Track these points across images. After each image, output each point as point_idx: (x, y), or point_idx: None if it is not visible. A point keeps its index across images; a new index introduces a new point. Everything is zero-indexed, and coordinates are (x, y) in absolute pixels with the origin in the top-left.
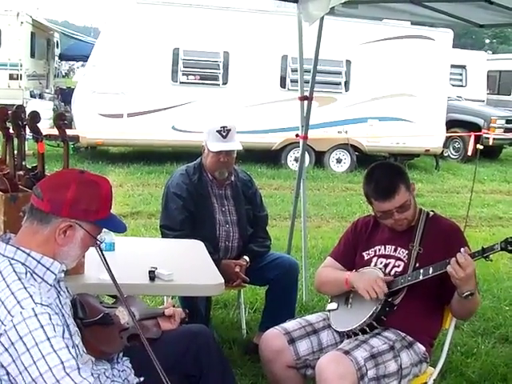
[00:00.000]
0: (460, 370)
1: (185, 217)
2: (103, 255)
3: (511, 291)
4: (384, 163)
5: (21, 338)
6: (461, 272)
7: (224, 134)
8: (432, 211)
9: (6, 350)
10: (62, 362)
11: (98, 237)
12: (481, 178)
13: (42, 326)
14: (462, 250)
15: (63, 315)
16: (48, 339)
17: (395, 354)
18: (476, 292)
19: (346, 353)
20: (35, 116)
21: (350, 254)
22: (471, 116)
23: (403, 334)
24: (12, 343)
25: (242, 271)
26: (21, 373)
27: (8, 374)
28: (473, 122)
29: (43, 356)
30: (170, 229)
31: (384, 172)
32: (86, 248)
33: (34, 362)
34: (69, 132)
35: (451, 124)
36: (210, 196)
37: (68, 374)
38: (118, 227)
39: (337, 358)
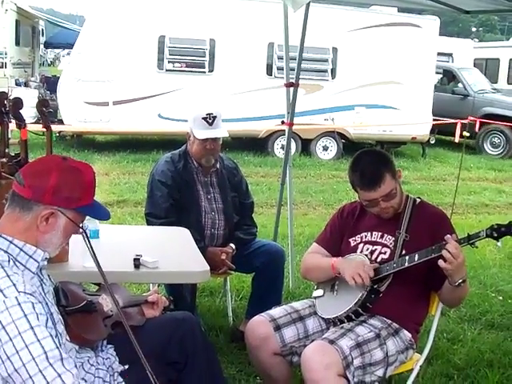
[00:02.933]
0: (446, 356)
1: (170, 204)
2: (89, 241)
3: (497, 278)
4: (369, 151)
5: (3, 327)
6: (454, 262)
7: (210, 121)
8: (419, 198)
9: None
10: (45, 352)
11: (81, 224)
12: (467, 165)
13: (25, 315)
14: (448, 236)
15: (47, 303)
16: (31, 328)
17: (381, 342)
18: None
19: (331, 342)
20: (18, 102)
21: (336, 240)
22: (509, 110)
23: (389, 321)
24: None
25: (228, 258)
26: (3, 362)
27: None
28: (510, 117)
29: (26, 345)
30: (155, 216)
31: (369, 160)
32: (69, 235)
33: (17, 352)
34: (55, 127)
35: (487, 118)
36: (195, 183)
37: (51, 365)
38: (102, 214)
39: (322, 347)
